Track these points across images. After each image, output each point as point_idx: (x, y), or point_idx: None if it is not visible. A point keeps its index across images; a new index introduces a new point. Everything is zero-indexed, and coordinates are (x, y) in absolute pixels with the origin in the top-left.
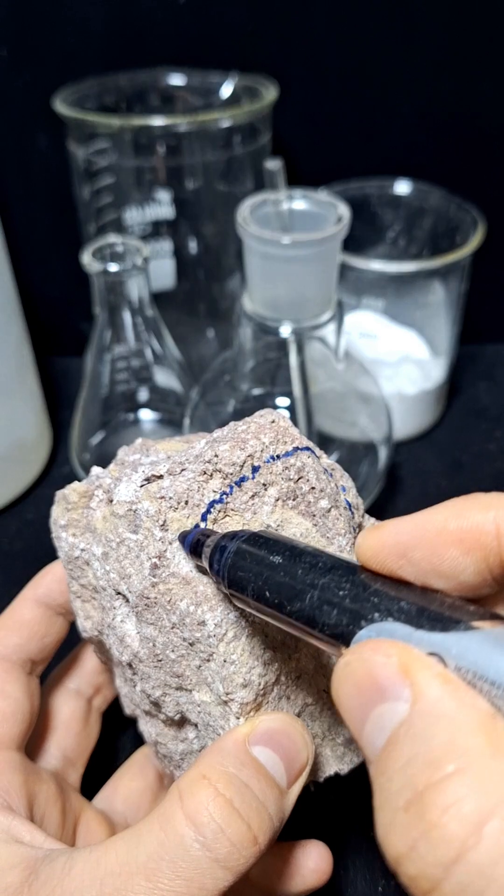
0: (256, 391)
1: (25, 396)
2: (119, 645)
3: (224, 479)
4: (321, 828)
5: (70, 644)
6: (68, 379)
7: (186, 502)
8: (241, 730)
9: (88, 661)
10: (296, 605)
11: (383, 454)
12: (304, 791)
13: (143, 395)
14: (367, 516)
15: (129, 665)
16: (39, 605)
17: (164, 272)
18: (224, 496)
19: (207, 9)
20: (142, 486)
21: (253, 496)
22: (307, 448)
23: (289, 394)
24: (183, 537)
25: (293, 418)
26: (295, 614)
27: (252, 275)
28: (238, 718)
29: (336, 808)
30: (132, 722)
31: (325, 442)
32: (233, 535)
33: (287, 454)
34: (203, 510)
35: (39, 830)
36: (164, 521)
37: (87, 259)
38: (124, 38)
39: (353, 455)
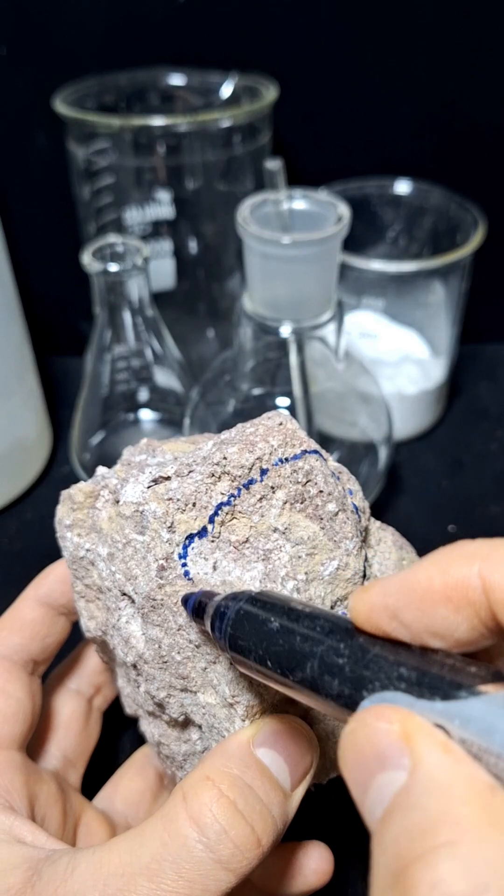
0: (256, 391)
1: (25, 396)
2: (124, 646)
3: (232, 481)
4: (323, 829)
5: (71, 644)
6: (68, 379)
7: (194, 504)
8: (245, 732)
9: (89, 661)
10: (297, 675)
11: (383, 454)
12: (306, 792)
13: (144, 394)
14: (373, 520)
15: (134, 666)
16: (41, 605)
17: (164, 272)
18: (232, 498)
19: (207, 8)
20: (149, 487)
21: (261, 499)
22: (315, 451)
23: (289, 394)
24: (185, 600)
25: (293, 418)
26: (298, 684)
27: (252, 275)
28: (243, 721)
29: (338, 809)
30: (133, 722)
31: (325, 442)
32: (232, 597)
33: (295, 457)
34: (211, 512)
35: (41, 830)
36: (172, 523)
37: (87, 259)
38: (124, 38)
39: (353, 455)
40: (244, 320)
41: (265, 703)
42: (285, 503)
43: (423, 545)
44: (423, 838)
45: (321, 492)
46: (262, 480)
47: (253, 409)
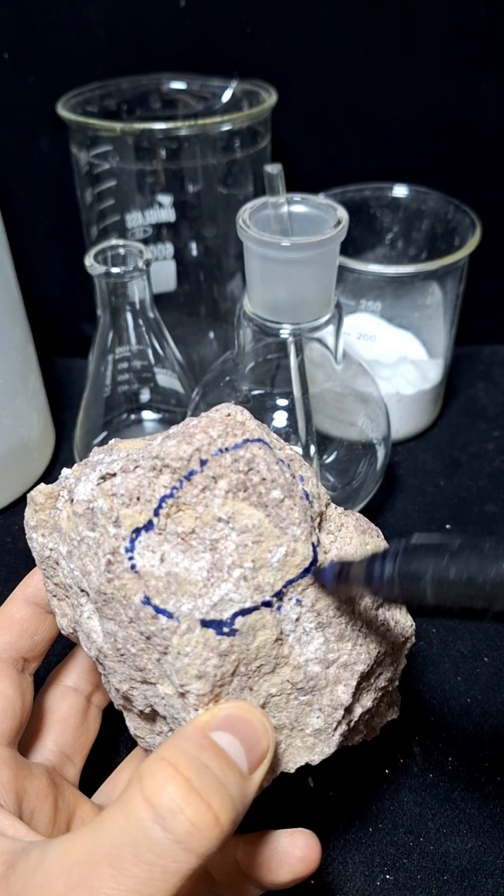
0: (256, 392)
1: (29, 397)
2: (87, 641)
3: (173, 473)
4: (320, 822)
5: (71, 642)
6: (71, 380)
7: (138, 498)
8: (200, 718)
9: (86, 658)
10: (490, 574)
11: (381, 453)
12: (304, 786)
13: (145, 395)
14: (335, 507)
15: (98, 660)
16: (29, 604)
17: (165, 274)
18: (175, 490)
19: (208, 15)
20: (98, 484)
21: (203, 489)
22: (259, 440)
23: (288, 394)
24: (318, 572)
25: (292, 419)
26: (490, 583)
27: (252, 277)
28: (196, 710)
29: (335, 803)
30: None
31: (324, 442)
32: (385, 550)
33: (236, 446)
34: (155, 505)
35: (23, 825)
36: (118, 518)
37: (89, 262)
38: (126, 44)
39: (351, 454)
40: (244, 322)
41: (217, 690)
42: (228, 492)
43: None
44: None
45: (264, 479)
46: (202, 471)
47: (253, 409)
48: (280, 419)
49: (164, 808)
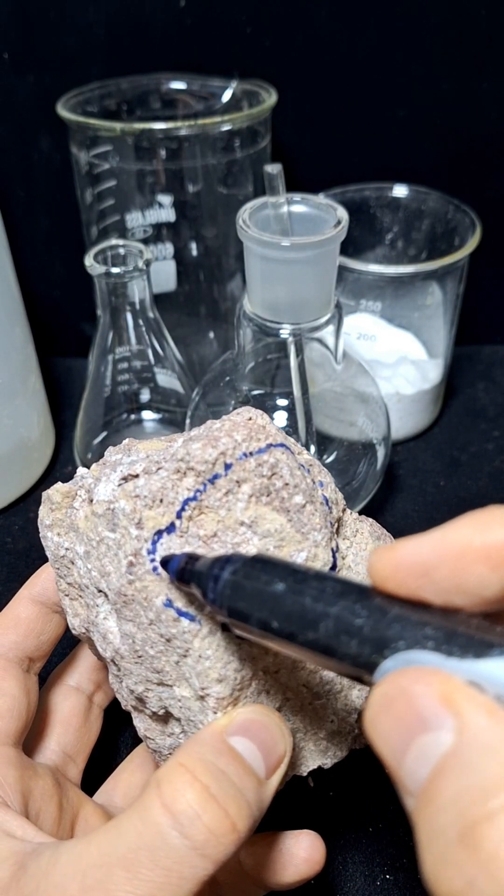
0: (256, 392)
1: (29, 397)
2: (102, 642)
3: (197, 476)
4: (321, 823)
5: (72, 642)
6: (71, 380)
7: (161, 500)
8: (219, 722)
9: (88, 658)
10: (309, 636)
11: (381, 453)
12: (304, 786)
13: (145, 395)
14: (350, 511)
15: (113, 661)
16: (35, 603)
17: (165, 274)
18: (198, 493)
19: (208, 15)
20: (119, 485)
21: (226, 493)
22: (281, 444)
23: (288, 394)
24: (165, 562)
25: (292, 418)
26: (309, 644)
27: (252, 277)
28: (215, 713)
29: (336, 803)
30: None
31: (323, 441)
32: (226, 560)
33: (260, 451)
34: (178, 508)
35: (31, 825)
36: (140, 520)
37: (89, 262)
38: (126, 44)
39: (351, 454)
40: (244, 322)
41: (236, 694)
42: (251, 497)
43: None
44: (484, 798)
45: (287, 484)
46: (226, 475)
47: None
48: (280, 419)
49: (183, 814)
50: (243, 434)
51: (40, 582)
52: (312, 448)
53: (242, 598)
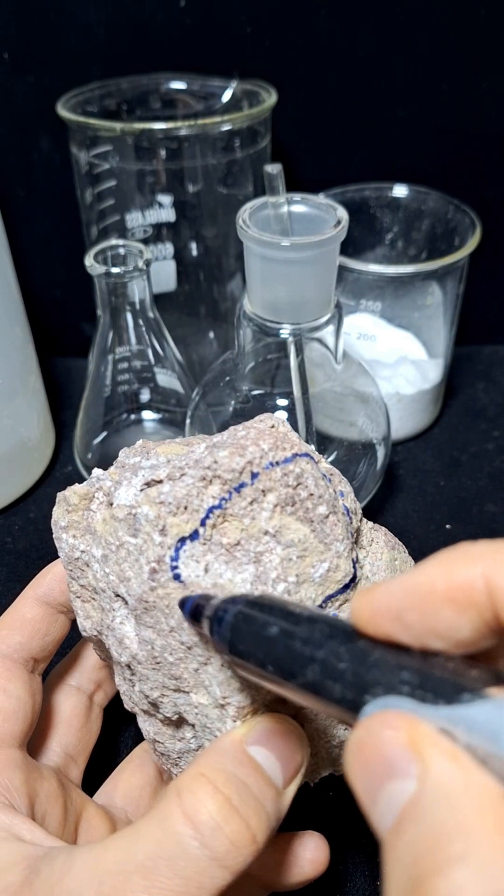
0: (256, 392)
1: (29, 397)
2: (118, 646)
3: (223, 485)
4: (321, 824)
5: (71, 641)
6: (71, 380)
7: (186, 507)
8: (238, 731)
9: (89, 658)
10: (299, 680)
11: (381, 453)
12: (304, 786)
13: (145, 395)
14: (365, 520)
15: (128, 666)
16: (41, 603)
17: (165, 274)
18: (223, 502)
19: (208, 15)
20: (142, 490)
21: (252, 502)
22: (306, 454)
23: (288, 394)
24: (182, 603)
25: (292, 418)
26: (299, 688)
27: (252, 277)
28: (235, 721)
29: (336, 804)
30: (133, 717)
31: (323, 441)
32: (230, 601)
33: (286, 460)
34: (202, 515)
35: (40, 828)
36: (164, 526)
37: (89, 262)
38: (126, 44)
39: (351, 454)
40: (244, 322)
41: (256, 703)
42: (276, 506)
43: (421, 543)
44: (437, 849)
45: (311, 494)
46: (252, 484)
47: (253, 409)
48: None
49: (205, 825)
50: (270, 443)
51: (46, 582)
52: (312, 448)
53: (241, 641)
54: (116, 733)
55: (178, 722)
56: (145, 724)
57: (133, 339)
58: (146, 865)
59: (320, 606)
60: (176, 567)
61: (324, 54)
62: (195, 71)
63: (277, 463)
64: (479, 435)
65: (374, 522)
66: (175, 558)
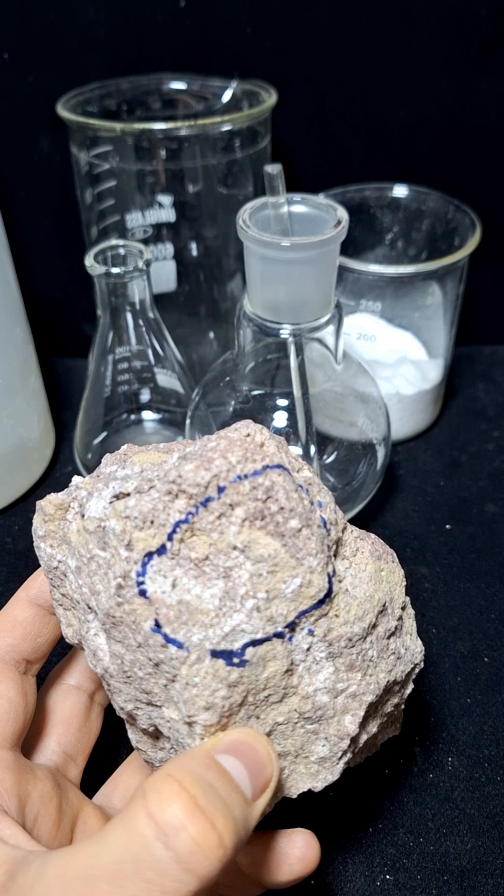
0: (256, 392)
1: (29, 397)
2: (92, 658)
3: (189, 499)
4: (320, 823)
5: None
6: (71, 380)
7: (152, 522)
8: (209, 741)
9: None
10: None
11: (381, 453)
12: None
13: (145, 395)
14: (352, 529)
15: (102, 678)
16: (32, 605)
17: (165, 275)
18: (190, 516)
19: (208, 15)
20: (111, 502)
21: (219, 516)
22: (278, 465)
23: (288, 394)
24: None
25: (292, 418)
26: None
27: (252, 277)
28: (202, 738)
29: (336, 803)
30: None
31: (323, 441)
32: None
33: (255, 473)
34: (169, 530)
35: (23, 832)
36: (130, 541)
37: (89, 262)
38: (126, 44)
39: (351, 454)
40: (244, 322)
41: (224, 722)
42: (244, 520)
43: (421, 543)
44: None
45: (282, 508)
46: (219, 498)
47: (253, 409)
48: (280, 419)
49: (168, 824)
50: (238, 455)
51: (37, 584)
52: (312, 448)
53: None
54: (117, 735)
55: (156, 734)
56: (130, 732)
57: (133, 340)
58: (111, 869)
59: (293, 622)
60: (142, 583)
61: (324, 54)
62: (195, 71)
63: (246, 476)
64: (479, 435)
65: (364, 529)
66: (142, 573)
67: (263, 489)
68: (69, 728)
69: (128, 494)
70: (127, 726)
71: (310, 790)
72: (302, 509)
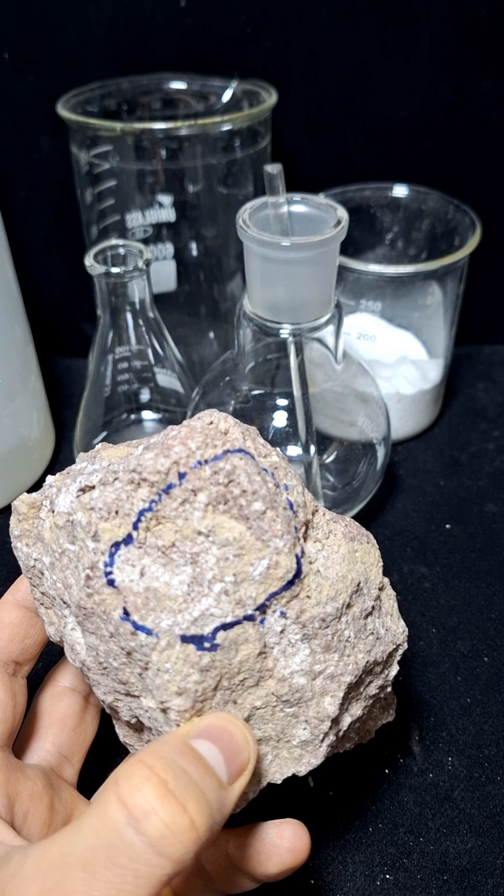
0: (256, 392)
1: (29, 397)
2: (71, 652)
3: (151, 487)
4: (321, 823)
5: None
6: (71, 379)
7: (117, 512)
8: (183, 727)
9: None
10: None
11: (381, 453)
12: (304, 786)
13: (145, 395)
14: (325, 512)
15: (82, 671)
16: (19, 607)
17: (165, 274)
18: (153, 504)
19: (208, 15)
20: (77, 496)
21: (182, 503)
22: (240, 450)
23: (288, 394)
24: None
25: (292, 418)
26: None
27: (252, 277)
28: (178, 725)
29: (336, 803)
30: None
31: (323, 441)
32: None
33: (216, 458)
34: (134, 519)
35: (8, 828)
36: (96, 532)
37: (89, 262)
38: (126, 44)
39: (351, 454)
40: (244, 322)
41: (198, 707)
42: (207, 505)
43: (421, 543)
44: None
45: (245, 491)
46: (181, 484)
47: (253, 409)
48: (280, 419)
49: (139, 809)
50: (198, 441)
51: (24, 586)
52: (312, 448)
53: None
54: (115, 735)
55: (139, 726)
56: (116, 727)
57: (133, 339)
58: (85, 857)
59: (263, 605)
60: (110, 573)
61: (324, 54)
62: (195, 71)
63: (206, 461)
64: (479, 435)
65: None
66: (109, 563)
67: (224, 473)
68: (63, 729)
69: (93, 487)
70: (114, 721)
71: (294, 775)
72: (266, 492)
